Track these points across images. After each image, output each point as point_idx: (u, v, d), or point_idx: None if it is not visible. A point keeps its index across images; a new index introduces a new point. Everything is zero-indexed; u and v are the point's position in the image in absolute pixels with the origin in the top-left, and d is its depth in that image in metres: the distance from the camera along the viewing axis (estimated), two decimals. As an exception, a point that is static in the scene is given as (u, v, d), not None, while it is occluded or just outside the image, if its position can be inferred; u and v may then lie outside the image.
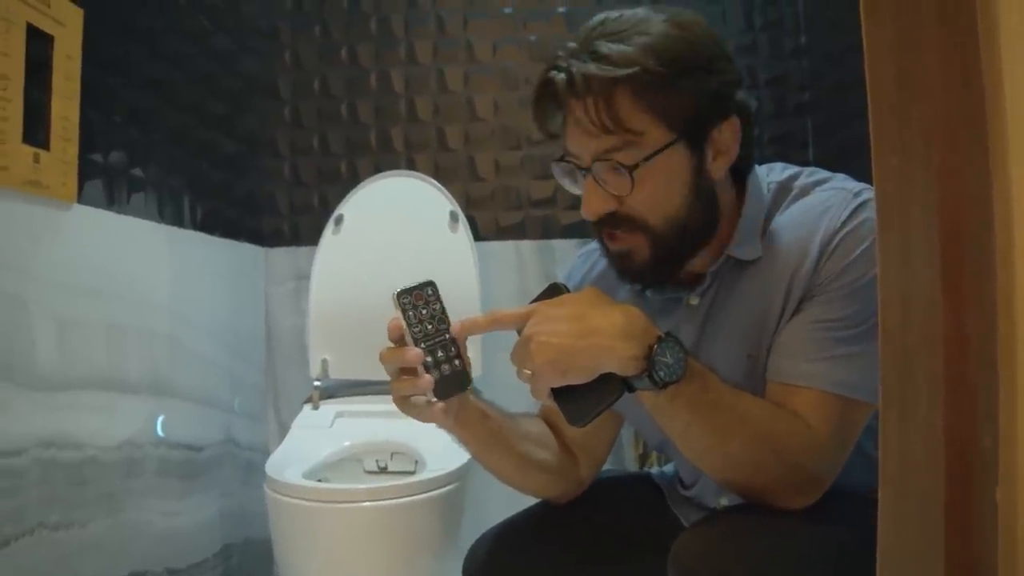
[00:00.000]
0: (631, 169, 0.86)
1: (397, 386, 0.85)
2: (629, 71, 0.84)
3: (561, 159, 0.94)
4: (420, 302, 0.84)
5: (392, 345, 0.86)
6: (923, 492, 0.45)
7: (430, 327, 0.84)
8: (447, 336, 0.84)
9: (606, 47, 0.85)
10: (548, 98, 0.91)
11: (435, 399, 0.84)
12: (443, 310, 0.85)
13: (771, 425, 0.84)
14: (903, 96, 0.47)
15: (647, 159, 0.86)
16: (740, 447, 0.84)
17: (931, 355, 0.45)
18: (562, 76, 0.88)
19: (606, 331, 0.79)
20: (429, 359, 0.83)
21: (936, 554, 0.43)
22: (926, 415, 0.45)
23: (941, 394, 0.44)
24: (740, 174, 0.98)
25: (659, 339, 0.79)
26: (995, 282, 0.42)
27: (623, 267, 0.95)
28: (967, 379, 0.44)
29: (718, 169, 0.92)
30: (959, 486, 0.43)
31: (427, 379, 0.82)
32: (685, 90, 0.87)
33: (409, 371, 0.84)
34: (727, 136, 0.91)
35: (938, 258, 0.45)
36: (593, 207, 0.91)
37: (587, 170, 0.90)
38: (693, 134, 0.89)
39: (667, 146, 0.87)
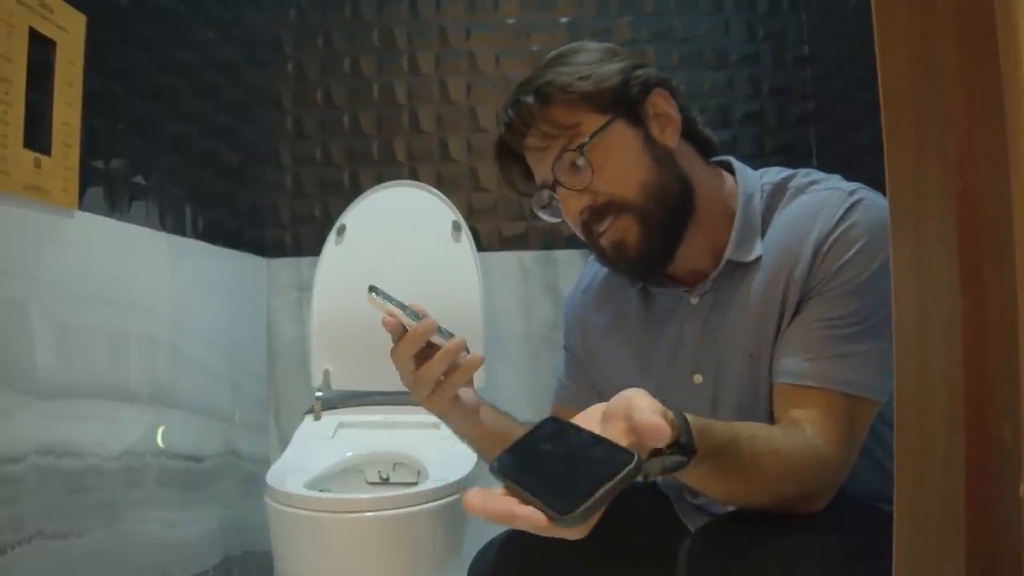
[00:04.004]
0: (580, 150, 0.93)
1: (430, 368, 0.87)
2: (543, 81, 0.95)
3: (533, 195, 1.02)
4: (386, 296, 0.86)
5: (395, 345, 0.88)
6: (943, 490, 0.44)
7: (409, 310, 0.87)
8: (420, 315, 0.87)
9: (523, 90, 0.97)
10: (509, 157, 1.02)
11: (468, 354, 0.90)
12: (399, 300, 0.88)
13: (789, 465, 0.81)
14: (917, 86, 0.46)
15: (591, 138, 0.94)
16: (759, 495, 0.82)
17: (949, 350, 0.44)
18: (506, 132, 1.00)
19: None
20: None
21: (957, 553, 0.42)
22: (945, 411, 0.44)
23: (961, 389, 0.43)
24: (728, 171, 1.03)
25: (658, 451, 0.70)
26: (1015, 274, 0.41)
27: (621, 261, 0.99)
28: (986, 373, 0.42)
29: (669, 137, 0.97)
30: (980, 483, 0.42)
31: (460, 339, 0.88)
32: (600, 79, 0.94)
33: (420, 358, 0.88)
34: (660, 104, 0.97)
35: (955, 251, 0.44)
36: (570, 207, 0.96)
37: (554, 184, 0.96)
38: (626, 110, 0.95)
39: (605, 125, 0.94)
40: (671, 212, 0.96)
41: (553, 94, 0.95)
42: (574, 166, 0.94)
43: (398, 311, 0.85)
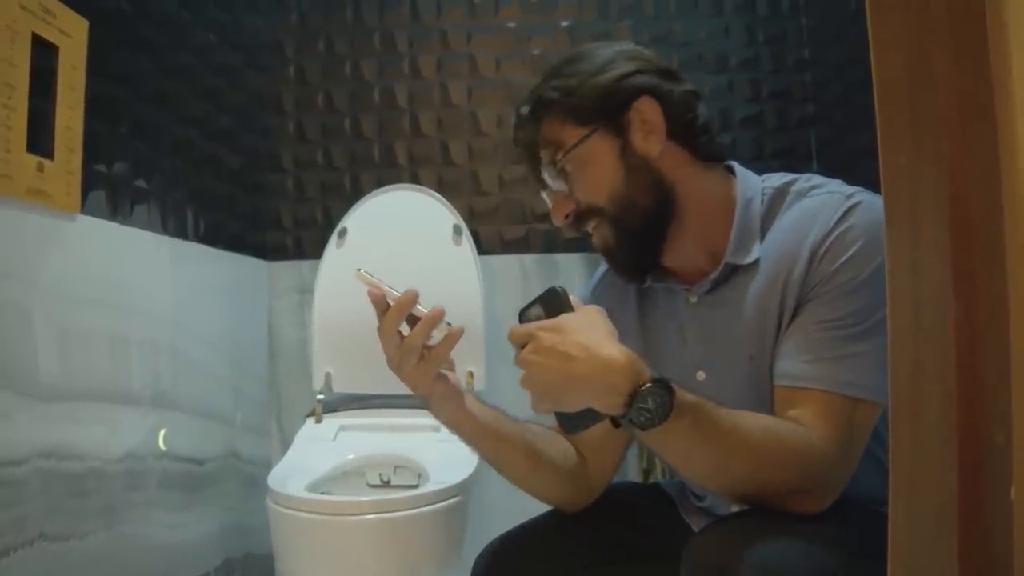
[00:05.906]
0: (556, 164, 0.99)
1: (412, 336, 0.90)
2: (536, 97, 1.01)
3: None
4: (373, 274, 0.90)
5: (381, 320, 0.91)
6: (936, 492, 0.44)
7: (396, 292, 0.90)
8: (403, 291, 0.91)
9: (524, 102, 1.04)
10: (532, 162, 1.06)
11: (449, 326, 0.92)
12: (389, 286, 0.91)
13: (774, 442, 0.84)
14: (912, 91, 0.46)
15: (567, 153, 0.99)
16: (744, 469, 0.84)
17: (942, 353, 0.44)
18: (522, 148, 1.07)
19: (587, 379, 0.79)
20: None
21: (950, 554, 0.42)
22: (938, 414, 0.44)
23: (954, 393, 0.43)
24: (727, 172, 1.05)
25: (642, 385, 0.78)
26: (1006, 277, 0.41)
27: (609, 260, 1.05)
28: (979, 377, 0.43)
29: (652, 145, 0.99)
30: (973, 486, 0.42)
31: (439, 308, 0.90)
32: (585, 93, 0.98)
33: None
34: (646, 113, 0.98)
35: (948, 255, 0.44)
36: (556, 212, 1.03)
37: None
38: (608, 121, 0.98)
39: (584, 138, 0.98)
40: (642, 219, 0.99)
41: (541, 111, 1.01)
42: (557, 176, 1.01)
43: (383, 285, 0.89)
